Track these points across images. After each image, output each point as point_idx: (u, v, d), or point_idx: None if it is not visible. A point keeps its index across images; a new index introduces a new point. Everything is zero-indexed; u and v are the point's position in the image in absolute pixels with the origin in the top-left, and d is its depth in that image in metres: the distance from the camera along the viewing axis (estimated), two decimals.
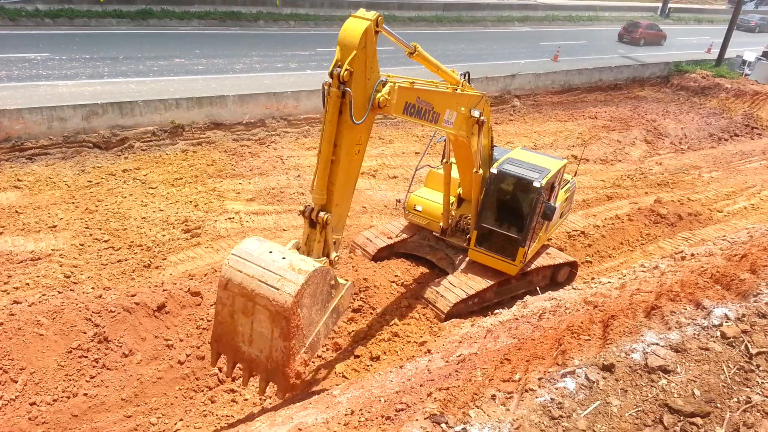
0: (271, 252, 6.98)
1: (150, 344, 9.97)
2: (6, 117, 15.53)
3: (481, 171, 11.13)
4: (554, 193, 11.90)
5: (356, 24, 6.78)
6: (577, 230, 15.63)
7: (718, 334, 5.08)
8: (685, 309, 5.63)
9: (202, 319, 10.43)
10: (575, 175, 14.80)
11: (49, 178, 15.17)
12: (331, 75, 6.76)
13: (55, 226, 13.16)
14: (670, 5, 60.92)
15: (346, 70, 6.67)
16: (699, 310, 5.54)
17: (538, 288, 12.30)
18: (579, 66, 31.26)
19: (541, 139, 23.26)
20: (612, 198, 18.06)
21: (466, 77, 10.10)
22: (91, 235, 13.15)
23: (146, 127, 17.86)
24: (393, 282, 12.24)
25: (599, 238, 15.46)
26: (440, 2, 46.72)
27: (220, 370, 9.74)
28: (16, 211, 13.44)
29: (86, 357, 9.39)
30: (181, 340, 10.14)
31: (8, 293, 10.75)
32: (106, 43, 25.11)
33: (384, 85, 7.35)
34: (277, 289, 6.54)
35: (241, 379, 9.59)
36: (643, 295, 6.93)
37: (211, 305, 10.63)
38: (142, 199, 14.91)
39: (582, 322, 6.23)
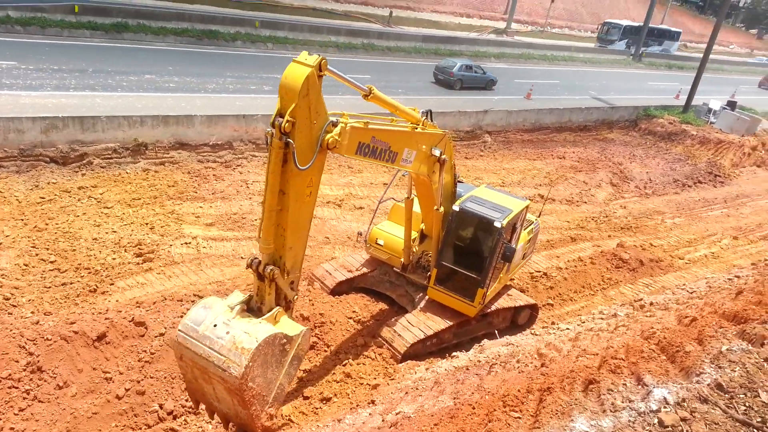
0: (215, 326, 6.85)
1: (87, 376, 9.43)
2: None
3: (442, 209, 11.00)
4: (516, 234, 11.82)
5: (297, 71, 6.47)
6: (540, 271, 15.58)
7: (656, 421, 4.86)
8: (625, 385, 5.45)
9: (145, 351, 9.93)
10: (540, 215, 14.80)
11: (0, 192, 14.55)
12: (272, 125, 6.51)
13: (0, 244, 12.57)
14: (642, 49, 63.22)
15: (288, 121, 6.42)
16: (639, 386, 5.36)
17: (496, 332, 12.12)
18: (550, 105, 31.77)
19: (509, 176, 23.40)
20: (576, 240, 18.13)
21: (428, 115, 10.00)
22: (37, 255, 12.58)
23: (108, 143, 17.37)
24: (350, 318, 11.94)
25: (561, 281, 15.42)
26: (419, 34, 47.42)
27: (160, 407, 9.27)
28: None
29: (16, 388, 8.82)
30: (121, 374, 9.62)
31: None
32: (77, 54, 24.60)
33: (334, 125, 7.12)
34: (224, 371, 6.60)
35: (182, 417, 9.23)
36: (588, 359, 6.78)
37: (155, 336, 10.18)
38: (95, 219, 14.39)
39: (519, 390, 6.03)
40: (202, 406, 7.83)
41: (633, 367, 5.92)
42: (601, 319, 12.02)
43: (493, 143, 27.12)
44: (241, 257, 13.99)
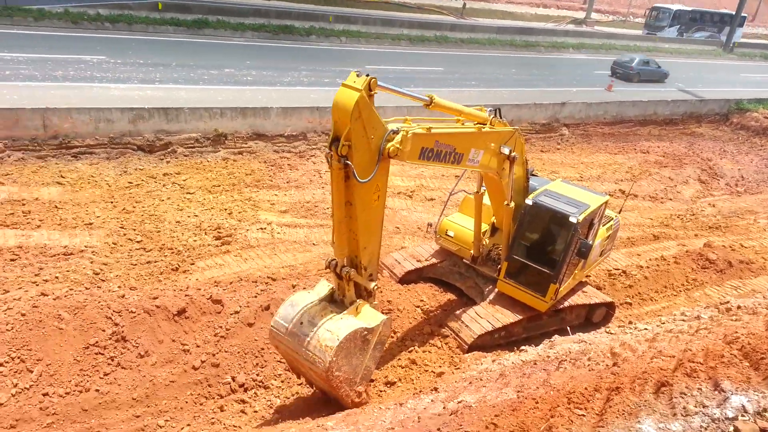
0: (302, 323, 7.63)
1: (166, 347, 9.91)
2: (56, 115, 16.07)
3: (512, 204, 10.73)
4: (593, 230, 11.35)
5: (346, 96, 6.43)
6: (618, 269, 14.91)
7: (731, 429, 4.48)
8: (700, 390, 5.07)
9: (221, 327, 10.32)
10: (620, 211, 14.17)
11: (92, 176, 15.55)
12: (329, 148, 6.58)
13: (91, 224, 13.41)
14: (734, 40, 58.99)
15: (344, 145, 6.47)
16: (716, 392, 4.97)
17: (569, 328, 11.72)
18: (634, 98, 30.37)
19: (588, 170, 22.56)
20: (659, 238, 17.24)
21: (497, 113, 9.77)
22: (125, 234, 13.34)
23: (190, 133, 18.18)
24: (418, 307, 11.90)
25: (641, 280, 14.70)
26: (494, 25, 46.58)
27: (233, 379, 9.61)
28: (56, 206, 13.78)
29: (102, 354, 9.41)
30: (198, 346, 10.05)
31: (37, 285, 10.95)
32: (161, 49, 25.89)
33: (395, 133, 7.07)
34: (312, 363, 7.46)
35: (252, 390, 9.55)
36: (663, 360, 6.40)
37: (231, 314, 10.55)
38: (178, 203, 15.08)
39: (587, 388, 5.77)
40: (234, 372, 8.94)
41: (711, 371, 5.53)
42: (683, 320, 11.34)
43: (571, 136, 26.23)
44: (313, 243, 14.26)
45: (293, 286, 11.68)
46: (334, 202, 7.12)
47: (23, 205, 13.62)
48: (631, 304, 14.04)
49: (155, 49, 25.84)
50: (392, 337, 11.01)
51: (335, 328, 7.43)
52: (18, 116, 15.78)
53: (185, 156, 17.84)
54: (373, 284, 7.98)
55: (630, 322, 12.69)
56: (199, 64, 24.50)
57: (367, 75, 6.51)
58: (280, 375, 9.63)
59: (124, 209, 14.32)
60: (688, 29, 59.58)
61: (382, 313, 11.22)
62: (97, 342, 9.31)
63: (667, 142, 27.69)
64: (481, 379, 8.38)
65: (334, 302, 7.98)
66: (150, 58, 23.97)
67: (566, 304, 11.93)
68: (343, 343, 7.28)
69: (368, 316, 7.86)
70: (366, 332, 7.62)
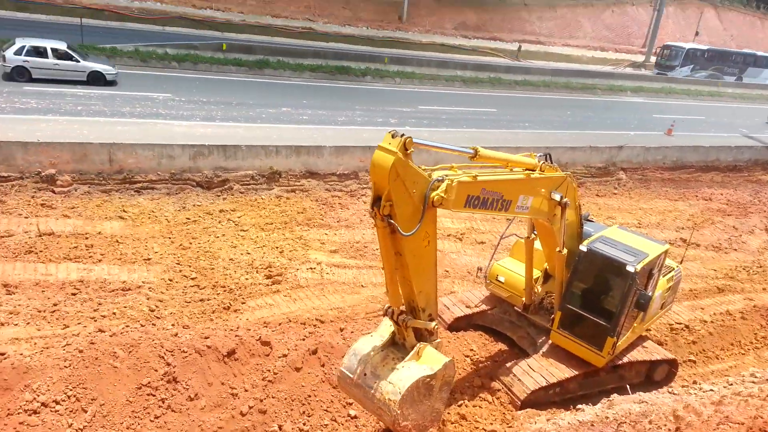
0: (365, 375, 7.63)
1: (215, 390, 9.93)
2: (122, 151, 16.83)
3: (565, 251, 10.40)
4: (653, 281, 10.85)
5: (382, 159, 6.41)
6: (680, 323, 14.18)
7: None
8: None
9: (269, 370, 10.29)
10: (682, 261, 13.55)
11: (152, 211, 16.09)
12: (372, 208, 6.60)
13: (149, 259, 13.80)
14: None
15: (385, 206, 6.48)
16: None
17: (628, 386, 11.13)
18: (695, 142, 29.40)
19: (646, 217, 21.81)
20: (724, 291, 16.36)
21: (547, 158, 9.59)
22: (180, 271, 13.64)
23: (246, 170, 18.66)
24: (467, 356, 11.59)
25: (706, 335, 13.93)
26: (549, 68, 46.43)
27: (279, 428, 9.50)
28: (117, 241, 14.28)
29: (154, 395, 9.48)
30: (246, 390, 10.02)
31: (95, 320, 11.26)
32: (224, 88, 26.93)
33: (441, 182, 7.02)
34: (380, 415, 7.54)
35: None
36: (730, 427, 5.93)
37: (279, 357, 10.52)
38: (232, 240, 15.37)
39: None
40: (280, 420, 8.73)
41: None
42: (753, 382, 10.62)
43: (629, 181, 25.52)
44: (362, 285, 14.21)
45: (341, 330, 11.60)
46: (383, 255, 7.09)
47: (86, 238, 14.17)
48: (695, 362, 13.29)
49: (218, 87, 26.91)
50: None
51: (397, 380, 7.35)
52: (86, 150, 16.61)
53: (241, 193, 18.27)
54: (433, 324, 7.85)
55: (694, 382, 12.01)
56: (258, 102, 25.32)
57: (402, 135, 6.46)
58: (326, 425, 9.47)
59: (181, 245, 14.69)
60: (702, 69, 56.68)
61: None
62: (149, 382, 9.41)
63: (730, 190, 26.55)
64: None
65: (396, 345, 7.90)
66: (212, 97, 24.95)
67: (625, 360, 11.38)
68: (405, 396, 7.22)
69: (430, 359, 7.70)
70: (429, 378, 7.51)
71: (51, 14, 35.41)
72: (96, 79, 24.03)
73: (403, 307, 7.56)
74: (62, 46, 23.73)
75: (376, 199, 6.60)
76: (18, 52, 22.78)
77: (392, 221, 6.58)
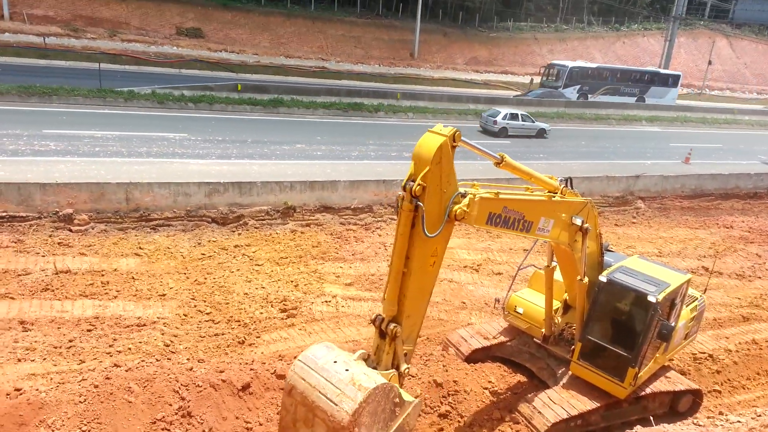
0: (335, 362, 6.86)
1: (230, 425, 9.78)
2: (138, 189, 17.10)
3: (586, 279, 10.24)
4: (675, 311, 10.59)
5: (432, 139, 6.71)
6: (704, 353, 13.79)
7: None
8: None
9: None
10: (705, 291, 13.25)
11: (168, 248, 16.21)
12: (404, 188, 6.67)
13: (164, 295, 13.84)
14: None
15: (419, 185, 6.57)
16: None
17: (651, 418, 10.77)
18: (713, 170, 29.13)
19: (667, 246, 21.49)
20: (749, 320, 15.93)
21: (568, 183, 9.55)
22: (195, 306, 13.65)
23: (261, 206, 18.81)
24: (486, 389, 11.32)
25: (731, 365, 13.50)
26: (562, 100, 46.68)
27: None
28: (133, 277, 14.37)
29: (168, 430, 9.34)
30: (261, 425, 9.87)
31: (111, 356, 11.25)
32: (239, 127, 27.43)
33: (463, 196, 7.13)
34: (336, 405, 6.40)
35: None
36: None
37: None
38: (247, 275, 15.39)
39: None
40: None
41: None
42: None
43: (647, 210, 25.26)
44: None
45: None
46: (395, 250, 6.95)
47: (102, 275, 14.28)
48: (720, 392, 12.86)
49: (233, 127, 27.41)
50: (459, 421, 10.45)
51: (373, 374, 6.76)
52: (103, 190, 16.89)
53: (256, 228, 18.39)
54: (405, 367, 7.50)
55: (720, 413, 11.62)
56: (272, 140, 25.71)
57: (453, 127, 6.84)
58: None
59: (196, 281, 14.74)
60: (592, 90, 50.33)
61: (442, 395, 10.77)
62: (164, 417, 9.32)
63: (752, 217, 26.12)
64: None
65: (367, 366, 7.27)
66: (228, 136, 25.39)
67: (648, 390, 11.04)
68: (378, 390, 6.47)
69: (401, 391, 7.18)
70: (398, 400, 6.88)
71: (70, 60, 36.62)
72: (540, 134, 34.79)
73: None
74: (523, 112, 35.13)
75: (409, 180, 6.68)
76: (504, 117, 33.61)
77: (420, 204, 6.63)
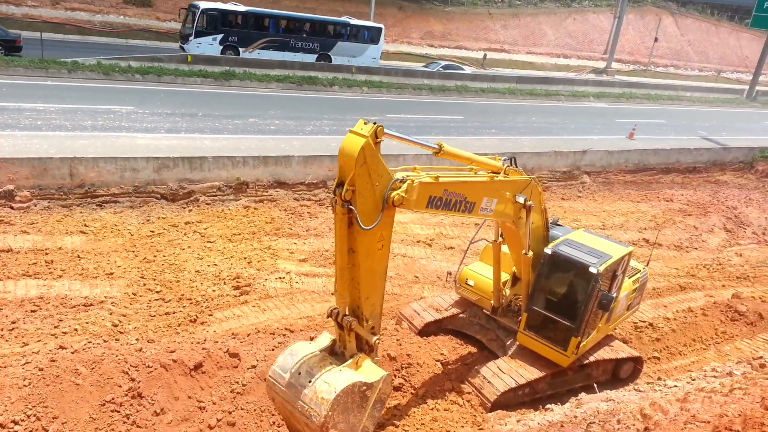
0: (299, 374, 7.33)
1: (182, 404, 9.74)
2: (83, 165, 16.47)
3: (531, 253, 10.57)
4: (617, 282, 11.06)
5: (352, 142, 6.58)
6: (644, 321, 14.49)
7: None
8: None
9: (237, 382, 10.14)
10: (648, 263, 13.86)
11: (115, 225, 15.76)
12: (334, 193, 6.68)
13: (112, 274, 13.50)
14: (758, 87, 58.20)
15: (348, 189, 6.56)
16: None
17: (595, 385, 11.30)
18: (655, 145, 30.21)
19: (610, 219, 22.28)
20: (685, 288, 16.79)
21: (512, 161, 9.77)
22: (144, 285, 13.38)
23: (213, 182, 18.44)
24: (438, 361, 11.62)
25: (669, 333, 14.25)
26: (514, 75, 47.21)
27: None
28: (78, 256, 13.93)
29: (118, 412, 9.24)
30: (214, 404, 9.85)
31: (56, 337, 10.96)
32: (189, 100, 26.64)
33: (402, 182, 7.15)
34: (307, 418, 7.08)
35: None
36: (697, 427, 6.08)
37: (248, 368, 10.38)
38: (199, 252, 15.15)
39: None
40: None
41: None
42: (714, 377, 10.91)
43: (593, 184, 26.04)
44: (332, 293, 14.06)
45: (311, 339, 11.50)
46: (337, 249, 7.08)
47: (46, 254, 13.80)
48: (659, 358, 13.58)
49: (182, 99, 26.60)
50: (412, 392, 10.72)
51: (333, 380, 7.14)
52: (46, 165, 16.20)
53: (207, 204, 18.05)
54: (375, 338, 7.82)
55: (659, 378, 12.26)
56: (224, 114, 25.11)
57: (375, 123, 6.66)
58: None
59: (145, 258, 14.42)
60: (244, 42, 37.81)
61: (395, 368, 11.02)
62: (113, 398, 9.18)
63: (690, 190, 27.32)
64: None
65: (335, 354, 7.75)
66: (177, 109, 24.64)
67: (592, 358, 11.56)
68: (339, 396, 6.98)
69: (368, 371, 7.61)
70: (365, 387, 7.32)
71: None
72: None
73: (348, 310, 7.53)
74: None
75: (339, 184, 6.65)
76: None
77: (352, 208, 6.63)
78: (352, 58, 41.49)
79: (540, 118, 35.67)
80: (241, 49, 37.83)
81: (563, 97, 44.57)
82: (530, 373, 10.82)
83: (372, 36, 43.02)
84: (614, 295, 10.86)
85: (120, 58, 30.58)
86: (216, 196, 18.41)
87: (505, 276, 11.98)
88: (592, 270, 10.15)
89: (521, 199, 9.69)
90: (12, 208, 15.60)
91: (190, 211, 17.52)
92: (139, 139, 19.95)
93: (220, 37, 36.84)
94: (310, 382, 7.16)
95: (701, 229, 22.02)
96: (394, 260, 16.25)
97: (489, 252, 12.62)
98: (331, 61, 40.58)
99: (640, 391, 10.58)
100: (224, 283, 13.90)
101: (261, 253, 15.61)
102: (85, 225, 15.47)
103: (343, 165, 6.65)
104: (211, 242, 15.79)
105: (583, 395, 10.46)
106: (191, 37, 36.11)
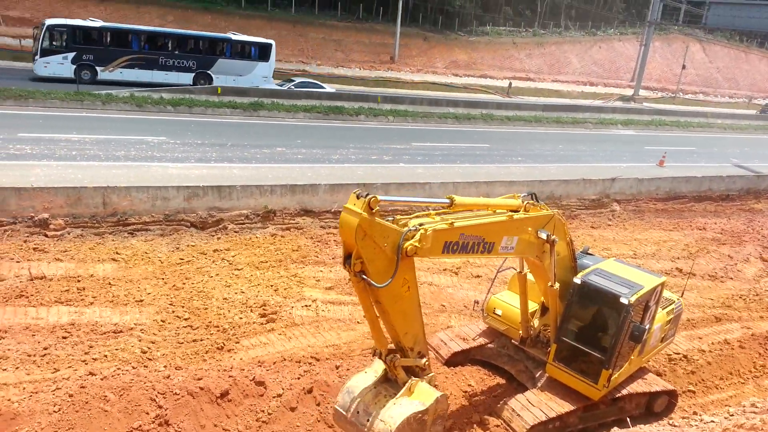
0: (358, 413, 7.61)
1: None
2: (116, 194, 16.88)
3: (557, 285, 10.37)
4: (649, 314, 10.77)
5: (347, 221, 6.57)
6: (679, 353, 14.05)
7: None
8: None
9: (263, 411, 10.11)
10: (682, 294, 13.49)
11: (145, 253, 16.03)
12: (344, 266, 6.74)
13: (141, 301, 13.68)
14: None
15: (356, 262, 6.63)
16: None
17: (628, 419, 10.95)
18: (687, 173, 29.71)
19: (642, 247, 21.84)
20: (721, 320, 16.27)
21: (533, 197, 9.66)
22: (173, 312, 13.51)
23: (241, 210, 18.70)
24: (465, 392, 11.42)
25: (704, 365, 13.78)
26: (539, 103, 47.20)
27: None
28: (109, 283, 14.17)
29: None
30: None
31: (86, 363, 11.08)
32: (218, 130, 27.25)
33: (416, 231, 7.04)
34: None
35: None
36: None
37: (273, 397, 10.35)
38: (226, 280, 15.28)
39: None
40: None
41: None
42: (754, 413, 10.47)
43: (623, 212, 25.64)
44: (357, 321, 14.06)
45: (337, 367, 11.46)
46: (362, 305, 7.19)
47: (78, 281, 14.07)
48: (694, 392, 13.11)
49: (212, 130, 27.22)
50: None
51: (388, 417, 7.34)
52: (80, 194, 16.64)
53: (235, 232, 18.27)
54: (423, 360, 7.88)
55: (695, 413, 11.83)
56: (252, 143, 25.58)
57: (367, 195, 6.54)
58: None
59: (174, 286, 14.60)
60: (103, 61, 34.57)
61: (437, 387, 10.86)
62: (140, 426, 9.22)
63: (724, 219, 26.69)
64: None
65: (389, 381, 7.89)
66: (207, 139, 25.21)
67: (624, 392, 11.22)
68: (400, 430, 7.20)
69: (423, 394, 7.71)
70: (420, 414, 7.48)
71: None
72: None
73: (391, 346, 7.56)
74: None
75: (347, 256, 6.69)
76: None
77: (365, 277, 6.66)
78: (239, 77, 38.12)
79: (567, 146, 35.48)
80: (98, 68, 34.50)
81: (590, 125, 44.34)
82: (560, 406, 10.53)
83: (261, 53, 39.25)
84: (647, 326, 10.56)
85: (152, 90, 31.57)
86: (244, 224, 18.64)
87: (533, 305, 11.78)
88: (623, 301, 9.92)
89: (544, 235, 9.51)
90: (46, 236, 16.01)
91: (218, 239, 17.74)
92: (170, 168, 20.41)
93: (71, 55, 33.56)
94: (368, 420, 7.44)
95: (736, 259, 21.42)
96: (420, 288, 16.04)
97: (516, 281, 12.47)
98: (212, 81, 37.35)
99: (675, 426, 10.20)
100: (251, 311, 13.95)
101: (287, 280, 15.67)
102: (117, 253, 15.77)
103: (345, 240, 6.68)
104: (238, 270, 15.92)
105: (615, 430, 10.13)
106: (36, 56, 33.17)
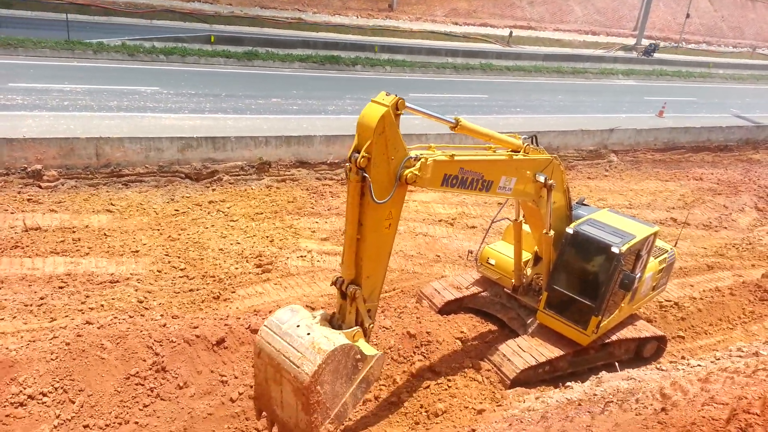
0: (298, 326, 7.22)
1: (205, 378, 9.94)
2: (109, 145, 16.72)
3: (552, 232, 10.41)
4: (641, 263, 10.85)
5: (373, 110, 6.59)
6: (670, 301, 14.26)
7: None
8: None
9: None
10: (676, 243, 13.56)
11: (140, 204, 16.02)
12: (349, 160, 6.66)
13: (137, 251, 13.76)
14: None
15: (363, 156, 6.54)
16: None
17: (617, 363, 11.19)
18: (686, 124, 29.41)
19: (637, 198, 21.86)
20: (713, 268, 16.43)
21: (533, 140, 9.58)
22: (169, 262, 13.61)
23: (236, 161, 18.59)
24: (458, 338, 11.62)
25: (695, 312, 14.00)
26: (540, 53, 46.26)
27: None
28: (105, 234, 14.22)
29: (142, 385, 9.48)
30: (236, 377, 10.04)
31: (83, 313, 11.24)
32: (212, 80, 26.78)
33: (416, 160, 7.09)
34: (297, 367, 6.86)
35: None
36: (715, 408, 5.94)
37: None
38: (222, 231, 15.33)
39: None
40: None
41: None
42: (740, 357, 10.66)
43: (620, 163, 25.54)
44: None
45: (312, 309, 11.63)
46: (347, 218, 7.10)
47: (73, 232, 14.11)
48: (683, 337, 13.38)
49: (206, 80, 26.74)
50: (431, 370, 10.73)
51: (332, 336, 7.10)
52: (73, 145, 16.49)
53: (230, 184, 18.22)
54: (370, 323, 7.77)
55: (683, 357, 12.09)
56: (247, 94, 25.18)
57: (396, 95, 6.65)
58: None
59: (169, 237, 14.65)
60: None
61: (415, 345, 11.03)
62: (137, 372, 9.41)
63: (721, 169, 26.61)
64: (521, 421, 8.02)
65: (332, 325, 7.61)
66: (201, 89, 24.79)
67: (614, 338, 11.44)
68: (337, 351, 6.88)
69: (364, 347, 7.53)
70: (359, 357, 7.25)
71: (36, 10, 35.00)
72: None
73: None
74: None
75: (355, 150, 6.66)
76: None
77: (366, 176, 6.63)
78: None
79: (567, 97, 35.01)
80: None
81: (591, 75, 43.62)
82: (550, 351, 10.76)
83: None
84: (637, 275, 10.66)
85: (144, 38, 30.72)
86: (239, 175, 18.56)
87: (526, 255, 11.86)
88: (614, 250, 9.99)
89: (542, 178, 9.53)
90: (40, 187, 15.95)
91: (213, 190, 17.70)
92: (164, 119, 20.16)
93: None
94: (308, 334, 7.08)
95: (731, 209, 21.47)
96: (415, 239, 16.24)
97: (511, 231, 12.48)
98: None
99: (662, 370, 10.42)
100: (247, 261, 14.06)
101: (283, 231, 15.72)
102: (111, 204, 15.76)
103: (361, 132, 6.65)
104: (234, 221, 15.95)
105: (603, 374, 10.36)
106: None
